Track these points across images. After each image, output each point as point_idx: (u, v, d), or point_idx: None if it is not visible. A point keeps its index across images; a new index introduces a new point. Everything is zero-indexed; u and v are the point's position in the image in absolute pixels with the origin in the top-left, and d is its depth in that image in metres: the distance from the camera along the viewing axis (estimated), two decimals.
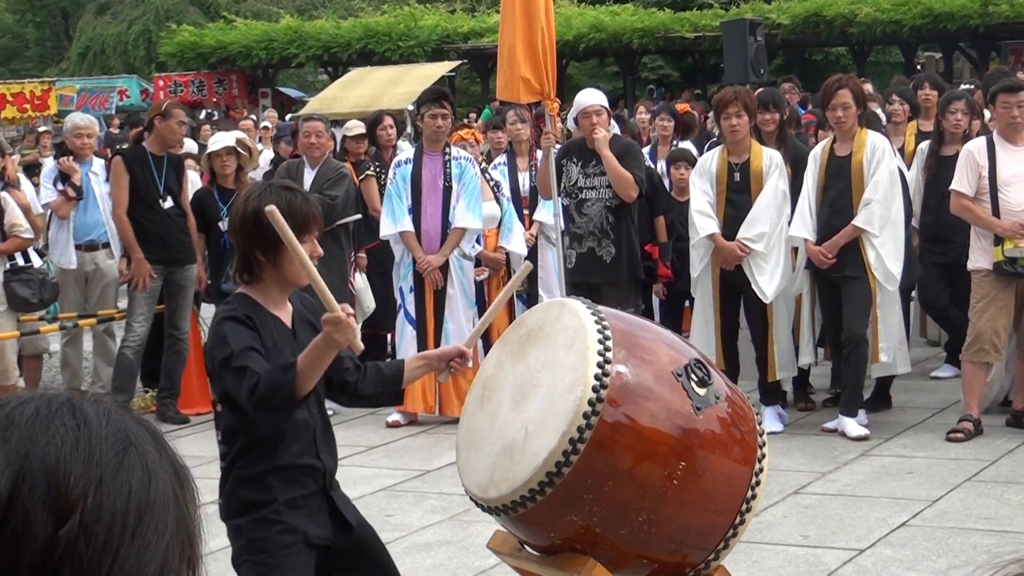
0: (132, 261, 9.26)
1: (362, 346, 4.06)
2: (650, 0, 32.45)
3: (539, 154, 9.50)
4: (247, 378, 3.81)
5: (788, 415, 8.61)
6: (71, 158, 9.75)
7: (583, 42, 28.72)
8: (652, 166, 10.55)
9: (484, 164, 9.86)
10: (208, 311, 8.39)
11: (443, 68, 27.88)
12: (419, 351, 8.82)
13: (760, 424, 4.23)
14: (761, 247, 8.20)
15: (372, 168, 10.43)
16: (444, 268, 8.93)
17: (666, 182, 10.43)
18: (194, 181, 10.14)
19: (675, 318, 10.17)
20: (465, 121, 15.96)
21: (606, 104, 9.03)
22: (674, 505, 3.93)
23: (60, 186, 9.68)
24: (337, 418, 7.27)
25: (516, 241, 9.40)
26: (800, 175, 8.44)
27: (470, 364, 4.38)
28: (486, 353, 5.46)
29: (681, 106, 14.58)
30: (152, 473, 1.21)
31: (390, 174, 9.32)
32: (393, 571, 4.27)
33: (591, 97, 8.96)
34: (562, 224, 8.93)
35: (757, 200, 8.24)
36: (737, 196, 8.31)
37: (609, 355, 3.92)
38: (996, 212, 8.00)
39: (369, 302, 9.94)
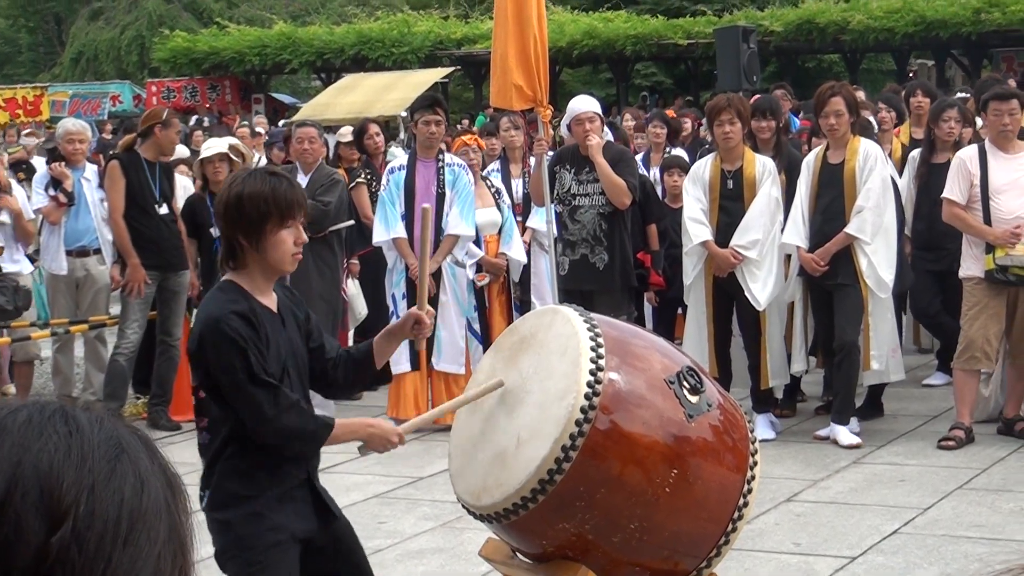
0: (128, 267, 9.19)
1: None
2: (643, 7, 32.46)
3: (532, 161, 9.50)
4: (280, 398, 3.90)
5: (780, 423, 8.62)
6: (63, 164, 9.73)
7: (576, 49, 28.72)
8: (645, 173, 10.56)
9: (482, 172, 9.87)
10: None
11: (436, 74, 27.88)
12: (411, 358, 8.85)
13: (752, 432, 4.23)
14: (754, 254, 8.20)
15: (363, 175, 10.43)
16: (437, 275, 8.93)
17: (659, 189, 10.44)
18: (186, 187, 10.11)
19: (667, 325, 10.17)
20: (468, 127, 15.95)
21: (599, 111, 9.05)
22: (666, 512, 3.93)
23: (52, 192, 9.66)
24: None
25: (516, 247, 9.42)
26: (794, 183, 8.45)
27: (430, 323, 4.38)
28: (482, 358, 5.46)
29: (668, 112, 14.71)
30: (144, 481, 1.21)
31: (383, 180, 9.32)
32: (367, 571, 4.28)
33: (584, 104, 8.97)
34: (555, 231, 8.94)
35: (750, 207, 8.24)
36: (730, 203, 8.31)
37: (602, 362, 3.92)
38: (988, 220, 8.01)
39: (361, 308, 9.93)
